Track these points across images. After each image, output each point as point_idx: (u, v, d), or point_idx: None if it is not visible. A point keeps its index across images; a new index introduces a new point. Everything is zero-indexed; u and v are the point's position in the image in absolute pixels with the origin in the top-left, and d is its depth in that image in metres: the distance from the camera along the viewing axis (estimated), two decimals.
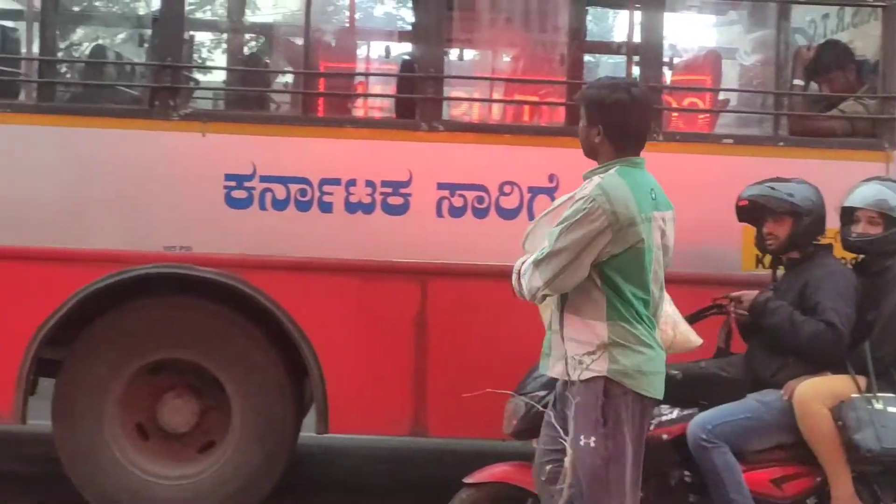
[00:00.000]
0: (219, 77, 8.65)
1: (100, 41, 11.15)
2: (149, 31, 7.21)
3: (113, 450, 6.09)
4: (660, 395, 4.27)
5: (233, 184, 5.95)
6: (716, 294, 5.43)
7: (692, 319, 5.08)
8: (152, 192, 5.94)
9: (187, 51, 6.78)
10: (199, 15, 14.12)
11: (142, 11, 13.17)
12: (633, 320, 4.16)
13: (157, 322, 6.04)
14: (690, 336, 4.84)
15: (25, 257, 5.85)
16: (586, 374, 4.16)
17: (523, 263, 4.29)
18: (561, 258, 4.11)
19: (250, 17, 8.83)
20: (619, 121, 4.26)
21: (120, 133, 5.97)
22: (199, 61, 11.80)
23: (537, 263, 4.17)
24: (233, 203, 5.95)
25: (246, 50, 8.20)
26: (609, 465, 4.17)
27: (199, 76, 7.58)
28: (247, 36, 8.31)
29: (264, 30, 8.99)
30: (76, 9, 11.98)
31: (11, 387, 5.92)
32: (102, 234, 5.93)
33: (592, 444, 4.17)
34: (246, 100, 6.75)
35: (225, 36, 9.03)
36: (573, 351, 4.20)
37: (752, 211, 5.34)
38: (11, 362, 5.89)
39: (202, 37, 13.04)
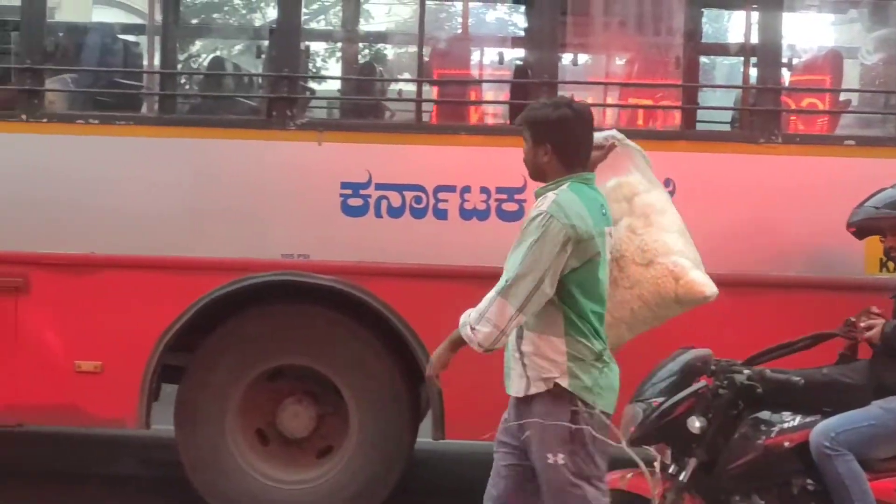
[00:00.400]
0: (334, 86, 8.75)
1: (218, 53, 11.37)
2: (265, 43, 7.33)
3: (234, 454, 6.19)
4: (612, 411, 4.23)
5: (349, 192, 6.01)
6: (837, 298, 5.31)
7: (812, 342, 4.97)
8: (270, 201, 6.03)
9: (303, 61, 6.87)
10: (314, 25, 14.29)
11: (258, 23, 13.41)
12: (590, 335, 4.16)
13: (276, 329, 6.13)
14: (695, 287, 4.59)
15: (149, 266, 5.99)
16: (544, 388, 4.14)
17: (470, 315, 4.17)
18: (528, 280, 4.06)
19: (364, 25, 8.90)
20: (566, 137, 4.28)
21: (238, 143, 6.07)
22: (314, 71, 11.96)
23: (504, 292, 4.08)
24: (349, 211, 6.01)
25: (360, 59, 8.29)
26: (576, 481, 4.15)
27: (314, 86, 7.68)
28: (361, 45, 8.39)
29: (378, 38, 9.07)
30: (195, 22, 12.25)
31: (136, 393, 6.06)
32: (222, 242, 6.03)
33: (560, 462, 4.15)
34: (361, 108, 6.82)
35: (339, 45, 9.12)
36: (533, 367, 4.17)
37: (866, 231, 5.25)
38: (136, 368, 6.03)
39: (317, 46, 13.21)
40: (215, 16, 15.59)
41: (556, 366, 4.15)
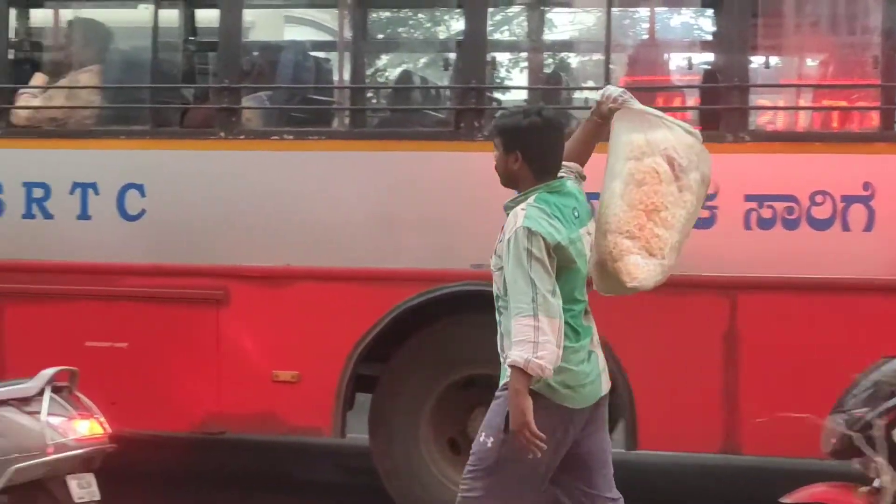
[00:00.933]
0: (520, 97, 8.76)
1: (405, 67, 11.53)
2: (452, 55, 7.41)
3: (427, 463, 6.26)
4: (587, 404, 4.22)
5: None
6: None
7: None
8: (460, 212, 6.08)
9: (490, 72, 6.91)
10: (498, 36, 14.37)
11: (444, 36, 13.53)
12: (566, 336, 4.11)
13: (468, 339, 6.16)
14: (621, 274, 4.24)
15: (343, 278, 6.12)
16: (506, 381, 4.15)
17: (517, 354, 4.02)
18: (549, 291, 4.05)
19: (549, 34, 8.89)
20: (535, 145, 4.25)
21: (427, 155, 6.16)
22: (501, 82, 12.01)
23: (540, 310, 4.02)
24: None
25: (546, 68, 8.28)
26: (499, 466, 4.20)
27: (500, 96, 7.71)
28: (546, 54, 8.38)
29: (564, 46, 9.05)
30: (381, 37, 12.45)
31: (331, 402, 6.19)
32: (414, 253, 6.12)
33: (489, 445, 4.24)
34: None
35: (525, 55, 9.15)
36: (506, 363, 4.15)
37: None
38: (331, 378, 6.17)
39: (503, 57, 13.26)
40: (402, 30, 15.82)
41: None
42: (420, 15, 16.05)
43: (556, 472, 4.31)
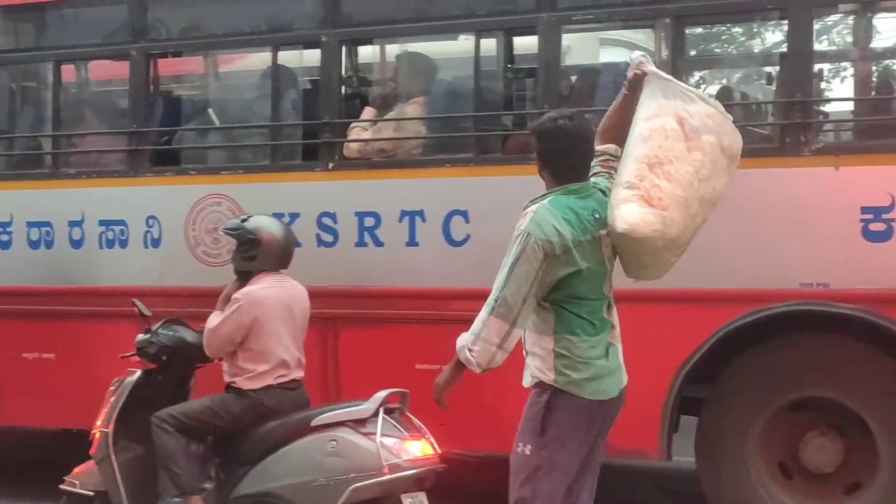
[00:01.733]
0: (845, 108, 8.41)
1: (723, 82, 11.30)
2: (772, 69, 7.20)
3: (756, 488, 6.10)
4: (608, 396, 4.41)
5: (869, 217, 5.76)
6: None
7: None
8: (786, 230, 5.90)
9: (815, 85, 6.68)
10: (822, 46, 13.88)
11: (763, 49, 13.18)
12: (580, 332, 4.36)
13: (798, 360, 5.97)
14: (616, 220, 4.31)
15: (669, 298, 6.03)
16: (533, 381, 4.42)
17: (465, 338, 4.41)
18: (515, 296, 4.30)
19: (876, 42, 8.49)
20: (552, 149, 4.46)
21: (752, 172, 5.99)
22: (826, 94, 11.58)
23: (495, 310, 4.32)
24: (870, 237, 5.75)
25: (874, 77, 7.91)
26: (539, 474, 4.36)
27: (826, 109, 7.43)
28: (874, 63, 8.01)
29: (892, 54, 8.61)
30: (696, 53, 12.26)
31: (656, 424, 6.13)
32: (739, 272, 5.98)
33: (528, 452, 4.40)
34: (879, 130, 6.51)
35: (851, 65, 8.78)
36: (530, 362, 4.44)
37: None
38: (656, 400, 6.10)
39: (827, 69, 12.78)
40: (717, 45, 15.55)
41: (545, 362, 4.40)
42: (736, 29, 15.71)
43: None
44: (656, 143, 4.32)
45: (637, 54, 4.52)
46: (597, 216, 4.42)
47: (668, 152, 4.32)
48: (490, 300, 4.39)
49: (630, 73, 4.49)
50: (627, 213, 4.29)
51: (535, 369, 4.44)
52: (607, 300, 4.49)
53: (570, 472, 4.41)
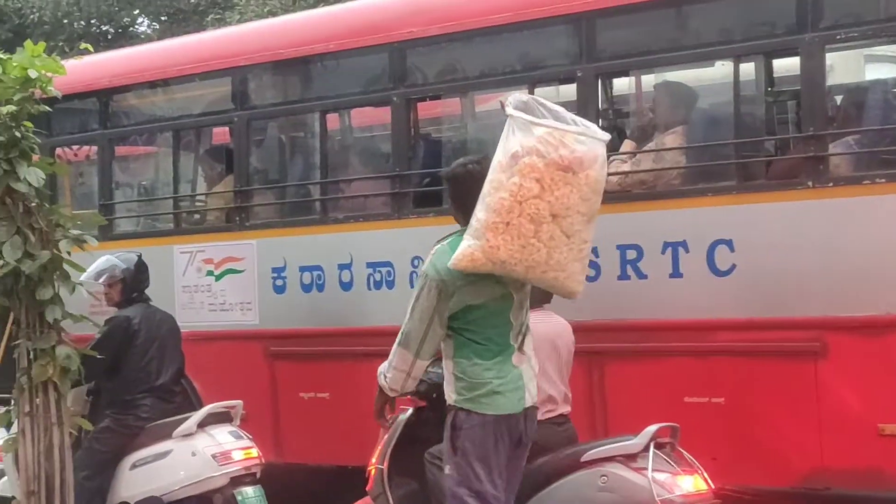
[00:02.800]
0: None
1: None
2: None
3: None
4: (506, 411, 4.86)
5: None
6: None
7: None
8: None
9: None
10: None
11: None
12: (474, 357, 4.87)
13: None
14: (570, 283, 4.88)
15: None
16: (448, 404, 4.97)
17: (383, 365, 5.05)
18: (418, 330, 4.88)
19: None
20: (460, 193, 5.00)
21: None
22: None
23: (402, 342, 4.95)
24: None
25: None
26: (462, 491, 4.86)
27: None
28: None
29: None
30: None
31: None
32: None
33: (447, 472, 4.96)
34: None
35: None
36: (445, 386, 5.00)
37: None
38: None
39: None
40: None
41: (449, 385, 4.97)
42: None
43: None
44: (487, 179, 4.78)
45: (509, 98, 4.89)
46: None
47: (489, 185, 4.75)
48: (400, 333, 4.98)
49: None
50: (463, 252, 4.77)
51: (445, 392, 5.01)
52: (511, 326, 4.95)
53: (496, 487, 4.89)
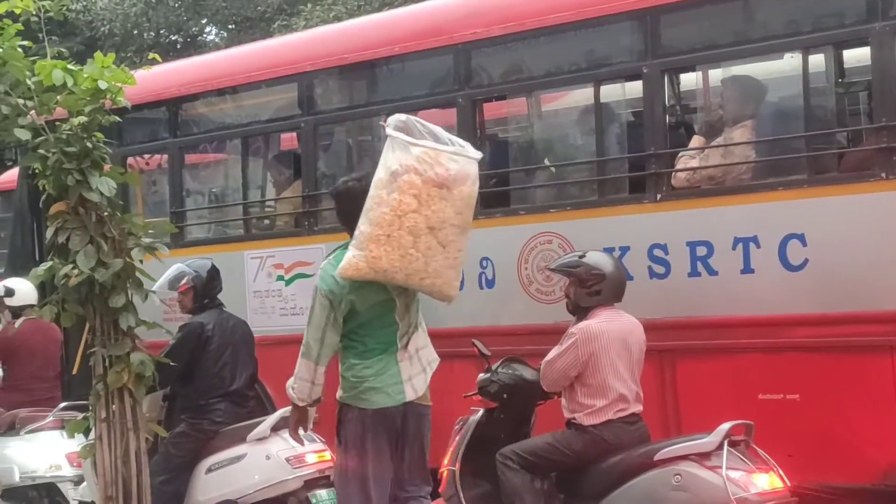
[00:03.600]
0: None
1: None
2: None
3: None
4: (383, 405, 5.40)
5: None
6: None
7: None
8: None
9: None
10: None
11: None
12: (355, 358, 5.44)
13: None
14: (446, 289, 5.39)
15: None
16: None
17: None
18: (315, 340, 5.39)
19: None
20: (343, 209, 5.55)
21: None
22: None
23: (304, 353, 5.43)
24: None
25: None
26: (345, 478, 5.47)
27: None
28: None
29: None
30: None
31: None
32: None
33: (335, 463, 5.66)
34: None
35: None
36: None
37: None
38: None
39: None
40: None
41: (340, 384, 5.52)
42: None
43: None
44: (369, 195, 5.22)
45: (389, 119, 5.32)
46: None
47: (371, 200, 5.21)
48: (302, 348, 5.44)
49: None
50: (343, 260, 5.26)
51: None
52: (397, 327, 5.42)
53: (381, 477, 5.40)
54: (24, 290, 8.86)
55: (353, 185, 5.54)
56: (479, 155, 5.42)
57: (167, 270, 7.20)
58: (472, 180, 5.30)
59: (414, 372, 5.48)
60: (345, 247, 5.42)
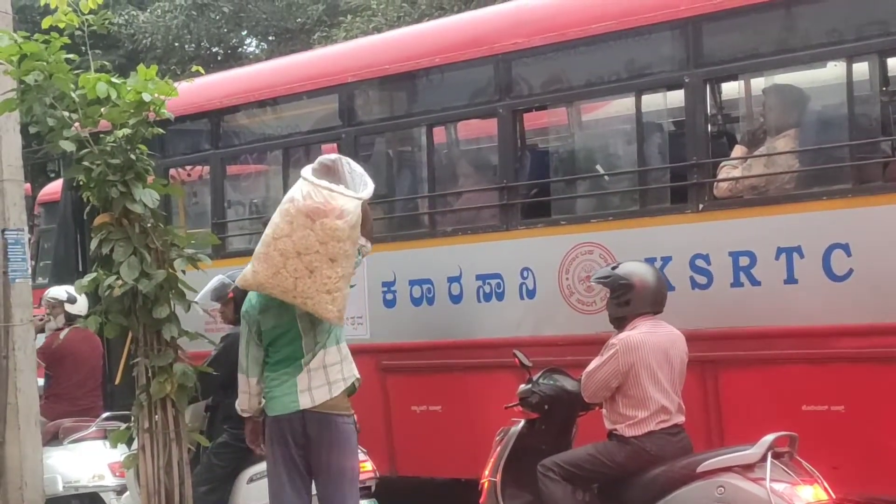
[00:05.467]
0: None
1: None
2: None
3: None
4: (282, 412, 5.87)
5: None
6: None
7: None
8: None
9: None
10: None
11: None
12: (268, 371, 5.97)
13: None
14: (320, 310, 5.71)
15: None
16: None
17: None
18: (244, 357, 6.02)
19: None
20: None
21: None
22: None
23: (240, 369, 6.05)
24: None
25: None
26: (270, 477, 6.02)
27: None
28: None
29: None
30: None
31: None
32: None
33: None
34: None
35: None
36: None
37: None
38: None
39: None
40: None
41: None
42: None
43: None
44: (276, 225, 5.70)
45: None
46: None
47: (269, 222, 5.77)
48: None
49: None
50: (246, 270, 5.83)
51: None
52: (301, 344, 5.86)
53: (281, 476, 5.89)
54: (82, 299, 8.95)
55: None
56: (360, 195, 5.69)
57: (209, 281, 7.24)
58: (341, 215, 5.60)
59: (315, 384, 5.85)
60: None
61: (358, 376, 6.03)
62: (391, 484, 7.54)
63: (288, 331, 5.90)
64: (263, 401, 6.00)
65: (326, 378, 5.88)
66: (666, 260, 6.78)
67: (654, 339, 5.92)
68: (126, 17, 24.91)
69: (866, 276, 6.19)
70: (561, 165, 8.05)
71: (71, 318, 9.03)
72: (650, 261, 6.52)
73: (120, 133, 6.23)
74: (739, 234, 6.64)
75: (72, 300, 9.08)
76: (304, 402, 5.85)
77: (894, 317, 6.10)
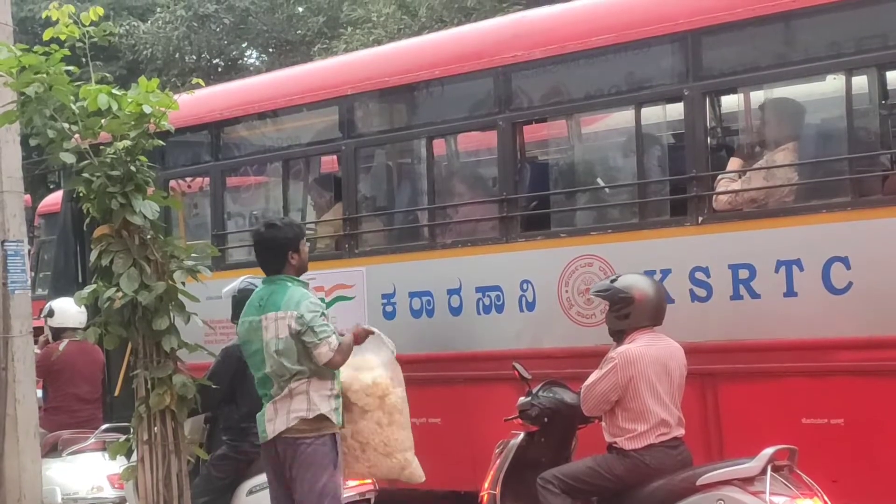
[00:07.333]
0: None
1: None
2: None
3: None
4: (261, 440, 6.08)
5: None
6: None
7: None
8: None
9: None
10: None
11: None
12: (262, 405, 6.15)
13: None
14: (415, 476, 6.38)
15: None
16: None
17: None
18: None
19: None
20: (255, 251, 6.27)
21: None
22: None
23: None
24: None
25: None
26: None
27: None
28: None
29: None
30: None
31: None
32: None
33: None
34: None
35: None
36: None
37: None
38: None
39: None
40: None
41: None
42: None
43: None
44: (407, 407, 6.39)
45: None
46: (260, 304, 6.03)
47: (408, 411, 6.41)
48: None
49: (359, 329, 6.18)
50: (418, 466, 6.43)
51: None
52: (273, 383, 5.98)
53: (275, 496, 6.12)
54: (67, 311, 8.91)
55: (256, 231, 6.29)
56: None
57: (234, 281, 7.19)
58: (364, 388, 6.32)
59: (279, 413, 5.97)
60: (263, 281, 6.18)
61: (323, 412, 5.96)
62: (390, 497, 7.53)
63: (258, 356, 6.06)
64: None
65: (287, 408, 5.96)
66: (665, 273, 6.78)
67: (654, 351, 5.92)
68: (127, 27, 24.94)
69: (866, 290, 6.19)
70: (560, 178, 8.06)
71: (58, 332, 8.99)
72: (650, 273, 6.52)
73: (120, 145, 6.24)
74: (739, 247, 6.64)
75: (50, 314, 9.05)
76: (269, 431, 6.02)
77: (894, 330, 6.10)
